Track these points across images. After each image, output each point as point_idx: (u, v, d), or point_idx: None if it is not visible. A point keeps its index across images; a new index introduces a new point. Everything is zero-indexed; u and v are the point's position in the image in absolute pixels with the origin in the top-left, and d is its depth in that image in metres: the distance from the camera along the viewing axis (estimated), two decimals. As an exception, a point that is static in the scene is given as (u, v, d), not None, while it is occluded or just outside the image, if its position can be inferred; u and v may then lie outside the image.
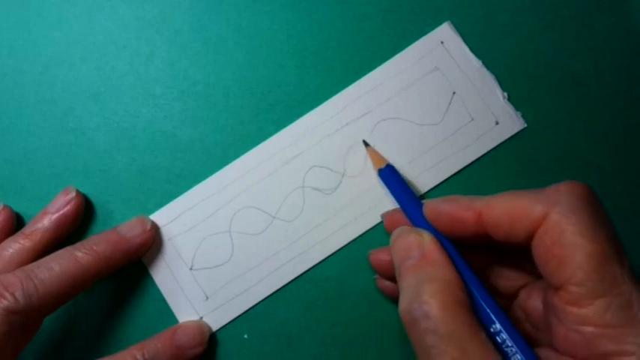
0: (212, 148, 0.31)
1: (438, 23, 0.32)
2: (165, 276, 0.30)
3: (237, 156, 0.31)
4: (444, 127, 0.31)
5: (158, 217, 0.31)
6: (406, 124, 0.31)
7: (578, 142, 0.31)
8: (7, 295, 0.25)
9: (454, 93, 0.31)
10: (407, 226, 0.27)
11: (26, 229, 0.29)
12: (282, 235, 0.31)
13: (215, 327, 0.30)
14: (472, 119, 0.31)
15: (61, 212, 0.30)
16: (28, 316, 0.26)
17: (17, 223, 0.31)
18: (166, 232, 0.31)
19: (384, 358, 0.30)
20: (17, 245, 0.29)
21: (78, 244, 0.28)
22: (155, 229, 0.30)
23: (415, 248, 0.24)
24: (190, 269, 0.30)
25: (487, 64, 0.31)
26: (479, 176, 0.31)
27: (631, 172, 0.31)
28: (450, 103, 0.31)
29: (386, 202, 0.31)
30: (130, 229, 0.29)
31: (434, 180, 0.31)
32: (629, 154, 0.31)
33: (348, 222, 0.31)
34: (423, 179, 0.31)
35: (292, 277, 0.30)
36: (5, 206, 0.31)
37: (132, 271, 0.31)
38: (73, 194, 0.30)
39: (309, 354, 0.30)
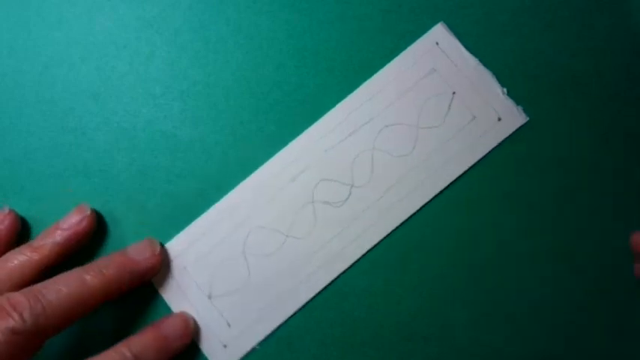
0: (212, 148, 0.31)
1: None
2: (185, 308, 0.30)
3: (237, 156, 0.31)
4: (447, 127, 0.31)
5: (171, 247, 0.31)
6: (409, 129, 0.31)
7: (578, 142, 0.31)
8: (14, 314, 0.25)
9: (454, 93, 0.31)
10: None
11: (35, 242, 0.29)
12: (297, 252, 0.30)
13: (241, 354, 0.30)
14: (474, 117, 0.31)
15: (73, 230, 0.29)
16: (33, 337, 0.25)
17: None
18: (181, 262, 0.30)
19: (384, 358, 0.30)
20: (23, 257, 0.28)
21: (87, 267, 0.28)
22: (164, 253, 0.30)
23: None
24: (209, 298, 0.30)
25: (487, 64, 0.31)
26: (484, 177, 0.31)
27: (631, 171, 0.31)
28: (450, 104, 0.31)
29: (399, 210, 0.30)
30: (138, 252, 0.29)
31: (443, 182, 0.31)
32: (629, 154, 0.31)
33: (362, 232, 0.30)
34: (430, 181, 0.31)
35: (312, 294, 0.30)
36: (11, 211, 0.30)
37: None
38: (88, 212, 0.30)
39: (309, 354, 0.30)
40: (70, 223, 0.29)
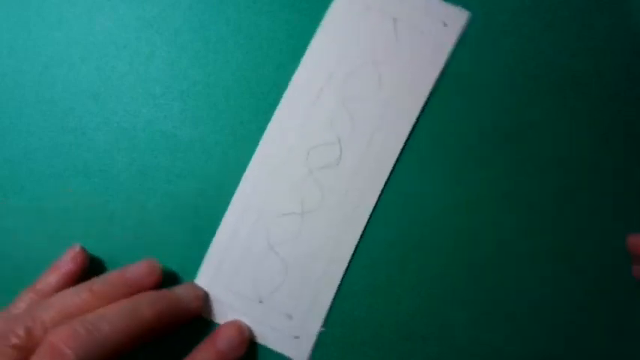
0: (212, 148, 0.32)
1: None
2: (245, 320, 0.30)
3: (237, 156, 0.31)
4: (402, 52, 0.31)
5: (201, 278, 0.30)
6: (369, 68, 0.31)
7: (578, 142, 0.31)
8: (67, 351, 0.23)
9: (395, 19, 0.31)
10: None
11: (95, 285, 0.27)
12: (318, 224, 0.31)
13: (314, 337, 0.30)
14: (422, 32, 0.31)
15: (139, 285, 0.28)
16: None
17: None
18: (219, 286, 0.30)
19: (383, 358, 0.30)
20: (79, 300, 0.26)
21: (140, 298, 0.27)
22: (205, 298, 0.30)
23: None
24: (261, 302, 0.30)
25: (487, 64, 0.31)
26: (483, 177, 0.31)
27: (631, 171, 0.31)
28: (395, 30, 0.31)
29: (392, 142, 0.31)
30: (185, 294, 0.29)
31: (420, 100, 0.31)
32: (629, 154, 0.31)
33: (368, 178, 0.31)
34: (408, 105, 0.31)
35: (349, 254, 0.30)
36: (81, 249, 0.30)
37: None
38: (158, 270, 0.29)
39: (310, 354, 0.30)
40: (139, 274, 0.28)
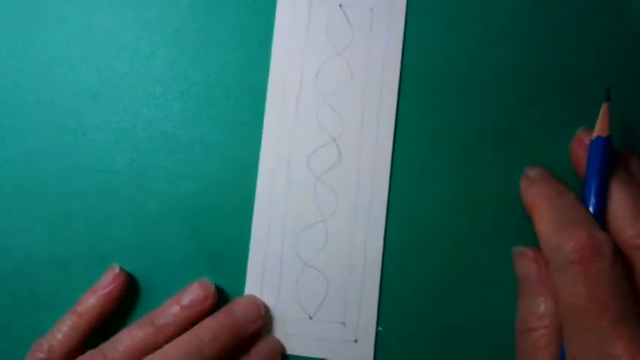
0: (212, 148, 0.32)
1: (443, 24, 0.32)
2: (304, 344, 0.30)
3: (237, 156, 0.31)
4: (358, 33, 0.31)
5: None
6: (335, 60, 0.31)
7: (578, 142, 0.31)
8: None
9: (340, 5, 0.31)
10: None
11: (156, 319, 0.28)
12: (344, 226, 0.31)
13: (373, 336, 0.30)
14: (372, 9, 0.31)
15: (198, 310, 0.29)
16: None
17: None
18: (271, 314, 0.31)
19: (383, 358, 0.30)
20: (143, 335, 0.27)
21: (201, 335, 0.27)
22: (266, 316, 0.30)
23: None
24: (311, 318, 0.30)
25: (487, 64, 0.31)
26: (484, 177, 0.31)
27: (631, 172, 0.31)
28: (345, 15, 0.31)
29: (386, 121, 0.31)
30: (245, 314, 0.29)
31: (395, 69, 0.31)
32: (629, 154, 0.31)
33: (374, 165, 0.31)
34: (386, 80, 0.31)
35: (380, 245, 0.30)
36: (121, 271, 0.30)
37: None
38: (213, 291, 0.29)
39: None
40: (195, 300, 0.29)
